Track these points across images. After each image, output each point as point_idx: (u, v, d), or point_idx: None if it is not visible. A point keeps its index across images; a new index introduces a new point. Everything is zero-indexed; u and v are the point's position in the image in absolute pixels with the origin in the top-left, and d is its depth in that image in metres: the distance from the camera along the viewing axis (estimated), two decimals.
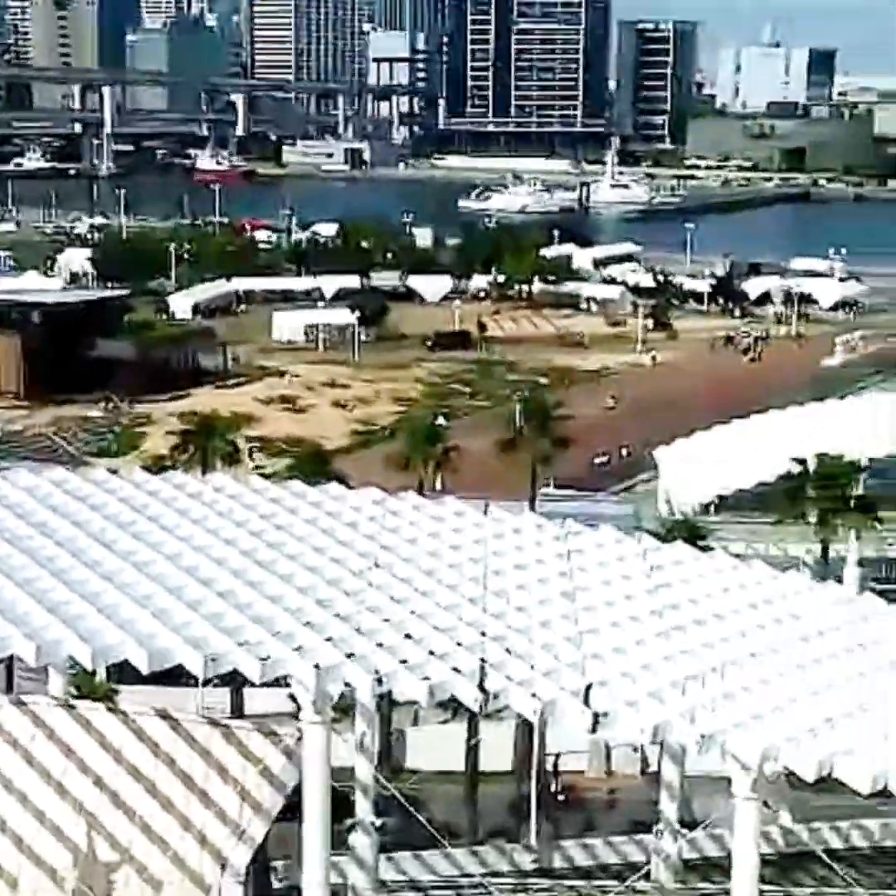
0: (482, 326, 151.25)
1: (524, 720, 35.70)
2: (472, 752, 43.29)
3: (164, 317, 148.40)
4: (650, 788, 39.95)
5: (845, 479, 62.04)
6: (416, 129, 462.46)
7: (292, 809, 30.21)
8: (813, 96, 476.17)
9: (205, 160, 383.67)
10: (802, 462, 62.84)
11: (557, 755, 45.10)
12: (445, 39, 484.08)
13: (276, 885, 35.14)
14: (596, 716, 28.74)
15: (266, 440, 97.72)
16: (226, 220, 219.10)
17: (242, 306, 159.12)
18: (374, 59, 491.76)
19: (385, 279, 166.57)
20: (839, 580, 55.37)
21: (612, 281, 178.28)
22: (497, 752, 43.28)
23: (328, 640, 30.00)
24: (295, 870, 31.68)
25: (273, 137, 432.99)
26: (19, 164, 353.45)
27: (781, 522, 65.47)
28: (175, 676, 33.32)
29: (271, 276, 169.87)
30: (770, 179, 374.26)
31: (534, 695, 29.03)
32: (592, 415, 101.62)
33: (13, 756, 31.10)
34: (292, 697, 30.20)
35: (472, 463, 74.71)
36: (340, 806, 31.96)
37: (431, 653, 30.04)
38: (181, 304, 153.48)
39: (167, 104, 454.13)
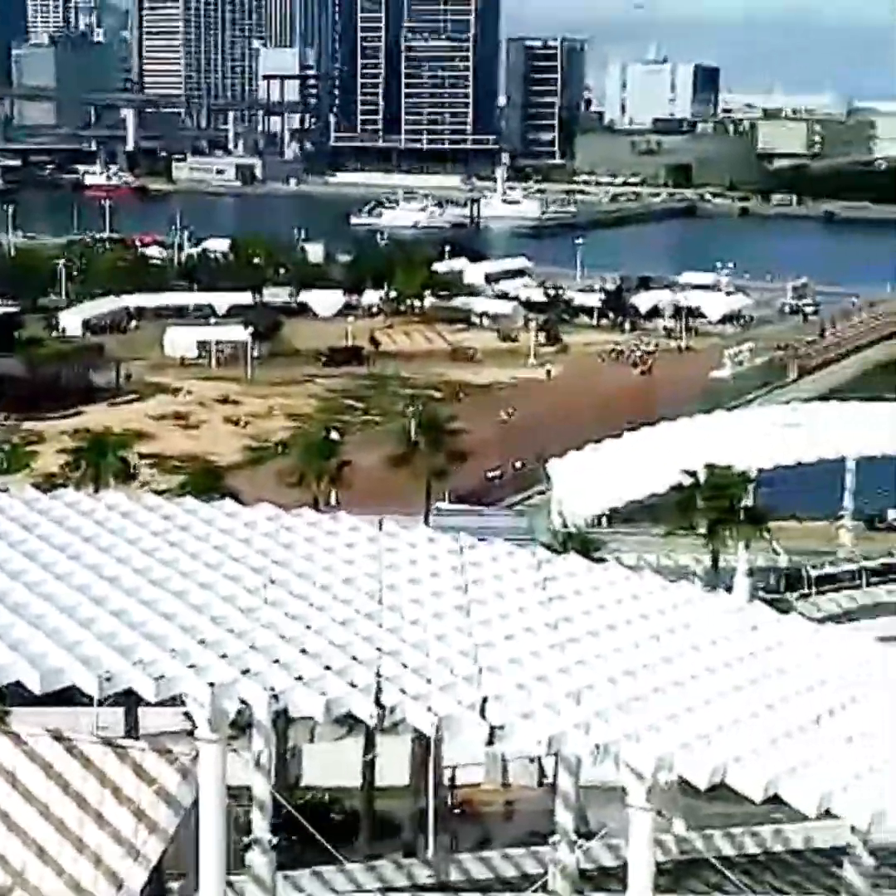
0: (375, 342, 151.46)
1: (420, 734, 35.76)
2: (369, 767, 43.28)
3: (55, 333, 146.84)
4: (546, 799, 40.17)
5: (735, 490, 62.78)
6: (307, 145, 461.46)
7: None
8: (698, 112, 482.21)
9: (94, 176, 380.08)
10: (693, 474, 63.49)
11: (454, 768, 45.20)
12: (336, 56, 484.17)
13: None
14: (492, 728, 28.85)
15: (159, 457, 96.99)
16: (116, 236, 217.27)
17: (134, 323, 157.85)
18: (265, 76, 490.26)
19: (277, 295, 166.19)
20: (729, 590, 56.04)
21: (504, 296, 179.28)
22: (393, 766, 43.27)
23: (223, 657, 29.84)
24: (191, 889, 31.46)
25: (163, 153, 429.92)
26: None
27: (672, 533, 66.19)
28: (68, 697, 32.96)
29: (163, 293, 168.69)
30: (657, 195, 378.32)
31: (430, 709, 29.08)
32: (486, 429, 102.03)
33: None
34: (187, 716, 30.01)
35: (367, 478, 74.73)
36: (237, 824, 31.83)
37: (327, 668, 29.99)
38: (71, 320, 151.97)
39: (55, 119, 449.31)
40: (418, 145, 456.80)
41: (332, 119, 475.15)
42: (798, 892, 39.09)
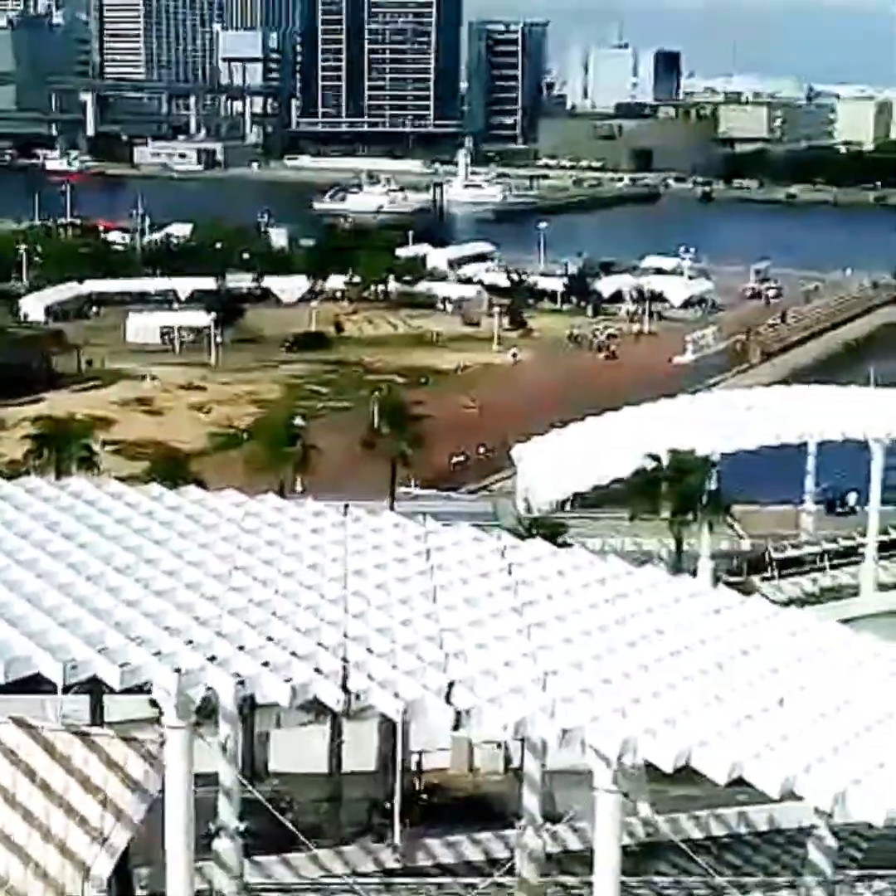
0: (339, 327, 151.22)
1: (387, 719, 35.85)
2: (336, 752, 43.33)
3: (16, 319, 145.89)
4: (513, 784, 40.32)
5: (697, 474, 63.00)
6: (268, 129, 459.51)
7: None
8: (660, 97, 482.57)
9: (55, 161, 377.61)
10: (656, 458, 63.68)
11: (420, 754, 45.27)
12: (297, 39, 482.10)
13: (139, 893, 34.86)
14: (458, 713, 28.97)
15: (122, 443, 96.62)
16: (78, 221, 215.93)
17: (96, 309, 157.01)
18: (225, 59, 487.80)
19: (240, 280, 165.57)
20: (693, 573, 56.30)
21: (468, 280, 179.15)
22: (360, 752, 43.33)
23: (189, 644, 29.86)
24: (158, 877, 31.47)
25: (124, 137, 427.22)
26: None
27: (636, 518, 66.40)
28: (33, 684, 32.85)
29: (125, 278, 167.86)
30: (620, 179, 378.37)
31: (396, 694, 29.17)
32: (450, 414, 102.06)
33: None
34: (154, 703, 30.00)
35: (331, 464, 74.64)
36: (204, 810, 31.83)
37: (293, 655, 30.04)
38: (33, 306, 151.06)
39: (14, 104, 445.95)
40: (381, 129, 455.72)
41: (293, 103, 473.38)
42: (763, 873, 39.41)
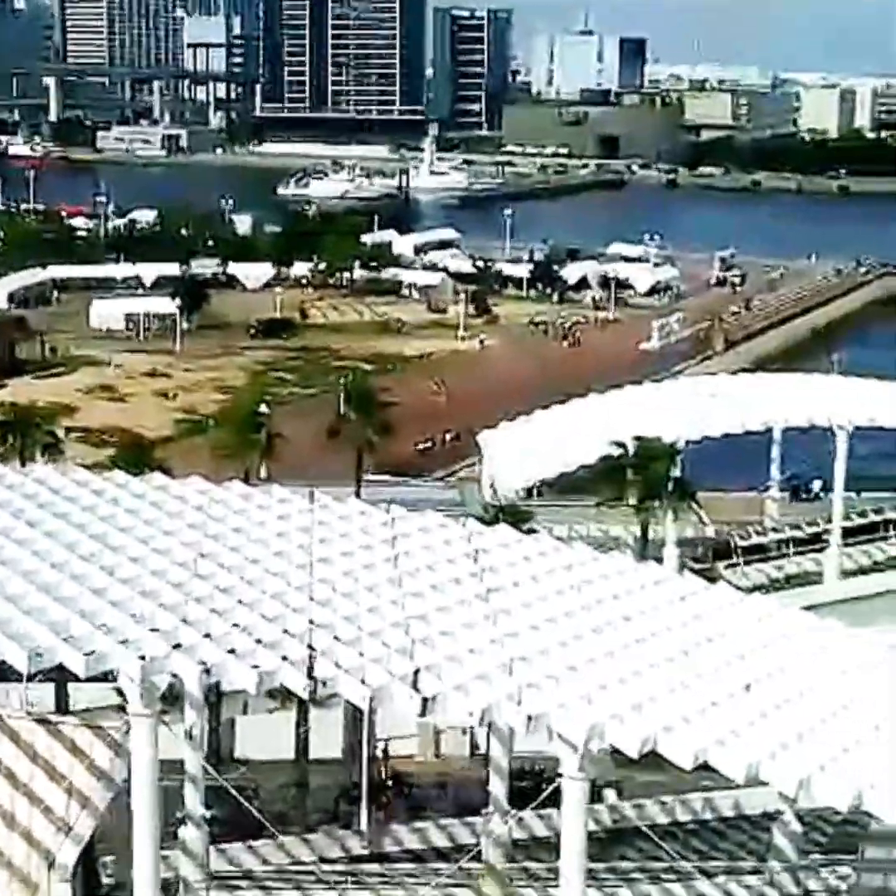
0: (304, 314, 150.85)
1: (354, 706, 35.81)
2: (302, 739, 43.28)
3: None
4: (479, 771, 40.35)
5: (663, 461, 63.11)
6: (233, 115, 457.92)
7: None
8: (625, 84, 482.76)
9: (17, 146, 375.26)
10: (622, 445, 63.77)
11: (387, 740, 45.26)
12: (261, 25, 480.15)
13: (104, 881, 34.78)
14: (425, 700, 28.97)
15: (87, 430, 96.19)
16: (41, 206, 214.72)
17: (59, 295, 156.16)
18: (189, 44, 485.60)
19: (205, 266, 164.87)
20: (658, 560, 56.43)
21: (433, 267, 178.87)
22: (327, 738, 43.30)
23: (154, 631, 29.76)
24: (124, 865, 31.39)
25: (87, 123, 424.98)
26: None
27: (602, 505, 66.51)
28: None
29: (89, 264, 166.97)
30: (585, 166, 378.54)
31: (363, 681, 29.16)
32: (416, 400, 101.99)
33: None
34: (119, 691, 29.89)
35: (297, 450, 74.50)
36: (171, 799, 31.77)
37: (259, 642, 29.99)
38: None
39: None
40: (345, 116, 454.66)
41: (258, 89, 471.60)
42: (728, 858, 39.56)
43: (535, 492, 70.32)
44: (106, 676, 30.57)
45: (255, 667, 29.16)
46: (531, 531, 47.06)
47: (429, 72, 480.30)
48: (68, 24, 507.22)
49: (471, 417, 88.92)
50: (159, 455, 69.11)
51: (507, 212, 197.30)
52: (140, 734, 29.15)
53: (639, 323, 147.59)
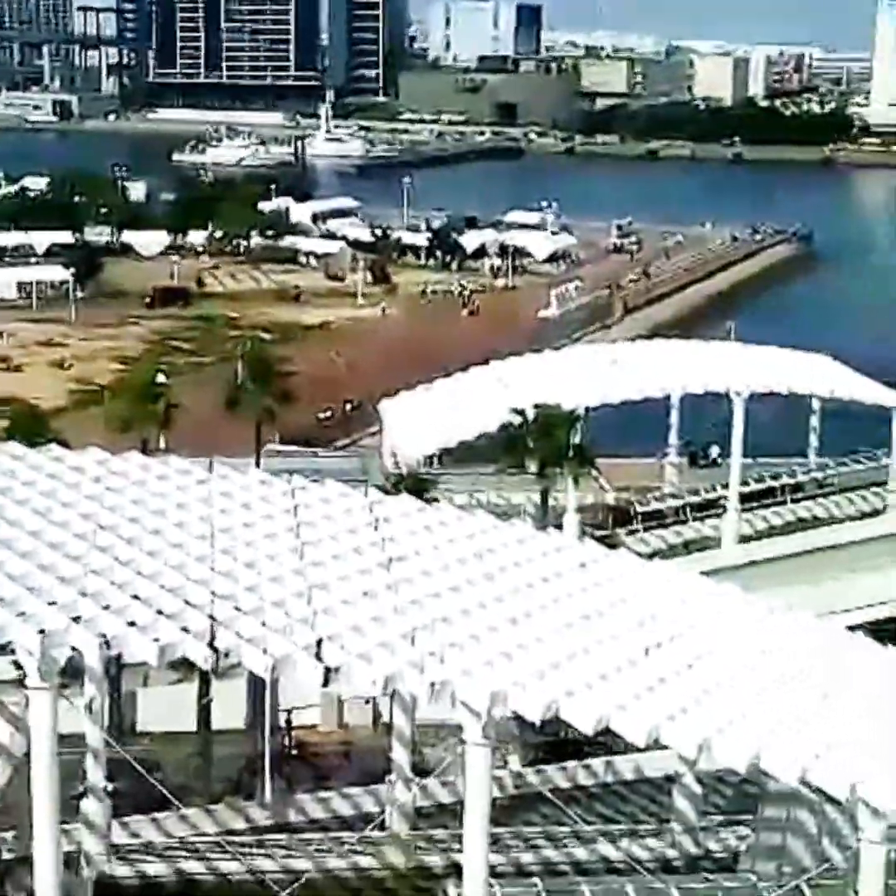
0: (201, 282, 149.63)
1: (256, 677, 35.66)
2: (204, 711, 43.07)
3: None
4: (383, 739, 40.43)
5: (563, 428, 63.34)
6: (125, 80, 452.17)
7: None
8: (521, 51, 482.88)
9: None
10: (522, 413, 63.92)
11: (290, 711, 45.18)
12: None
13: (4, 855, 34.46)
14: (327, 670, 28.92)
15: None
16: None
17: None
18: (79, 8, 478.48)
19: (99, 234, 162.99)
20: (559, 527, 56.73)
21: (331, 235, 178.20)
22: (229, 709, 43.12)
23: (53, 604, 29.43)
24: (24, 840, 31.09)
25: None
26: None
27: (503, 472, 66.68)
28: None
29: None
30: (482, 133, 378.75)
31: (265, 651, 29.04)
32: (316, 369, 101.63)
33: None
34: (17, 664, 29.53)
35: (196, 420, 73.96)
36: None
37: (160, 613, 29.75)
38: None
39: None
40: (240, 82, 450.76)
41: (151, 54, 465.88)
42: (630, 821, 39.97)
43: (435, 460, 70.32)
44: (3, 649, 30.17)
45: (156, 639, 28.93)
46: (432, 500, 47.11)
47: (324, 37, 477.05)
48: None
49: (371, 386, 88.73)
50: (55, 426, 68.30)
51: (405, 180, 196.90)
52: (39, 708, 28.82)
53: (537, 291, 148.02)
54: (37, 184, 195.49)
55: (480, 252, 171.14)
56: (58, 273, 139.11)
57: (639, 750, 31.64)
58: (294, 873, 34.32)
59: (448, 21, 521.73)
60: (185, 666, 35.50)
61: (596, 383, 68.73)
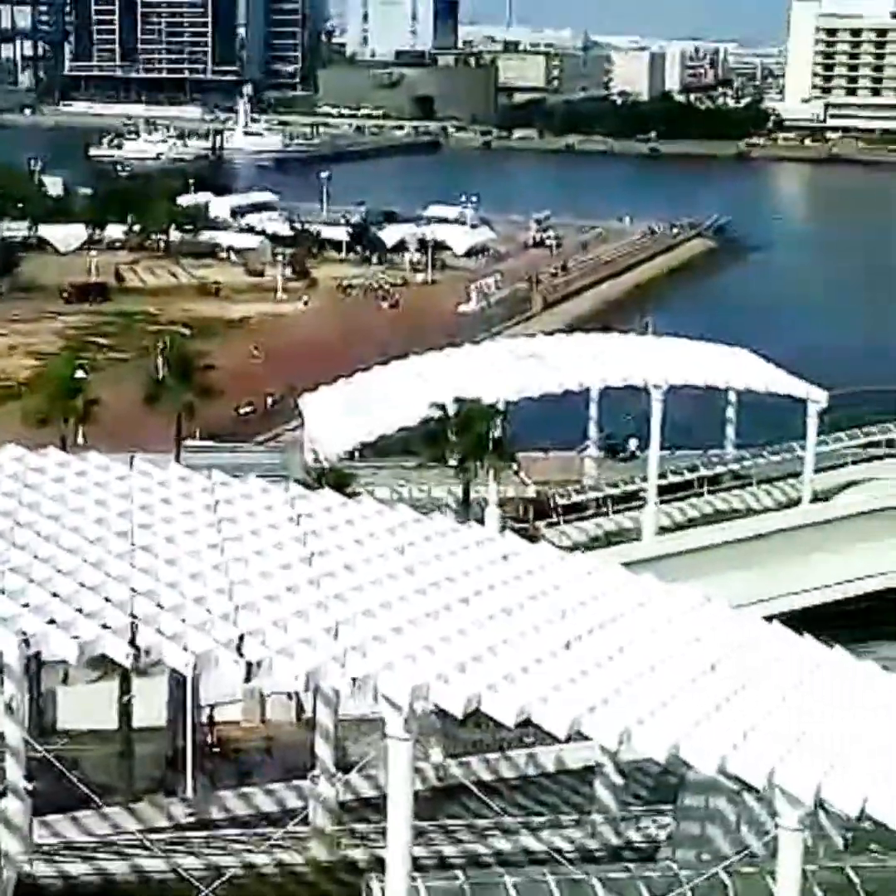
0: (119, 277, 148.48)
1: (177, 673, 35.58)
2: (126, 708, 42.86)
3: None
4: (306, 734, 40.43)
5: (483, 422, 63.52)
6: (41, 74, 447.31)
7: None
8: (439, 45, 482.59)
9: None
10: (442, 407, 64.02)
11: (212, 707, 45.05)
12: None
13: None
14: (249, 665, 28.92)
15: None
16: None
17: None
18: None
19: (14, 229, 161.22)
20: (481, 521, 56.93)
21: (250, 230, 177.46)
22: (151, 707, 42.93)
23: None
24: None
25: None
26: None
27: (424, 466, 66.76)
28: None
29: None
30: (401, 127, 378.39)
31: (186, 648, 28.99)
32: (237, 364, 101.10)
33: None
34: None
35: (115, 416, 73.40)
36: None
37: (80, 611, 29.62)
38: None
39: None
40: (158, 75, 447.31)
41: (67, 47, 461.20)
42: (552, 812, 40.24)
43: (356, 455, 70.30)
44: None
45: (76, 636, 28.81)
46: (354, 494, 47.14)
47: (242, 32, 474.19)
48: None
49: (291, 381, 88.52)
50: None
51: (324, 174, 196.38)
52: None
53: (457, 285, 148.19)
54: None
55: (400, 246, 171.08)
56: None
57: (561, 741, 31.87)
58: (217, 870, 34.32)
59: (365, 16, 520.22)
60: (105, 663, 35.31)
61: (515, 377, 68.97)
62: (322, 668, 28.97)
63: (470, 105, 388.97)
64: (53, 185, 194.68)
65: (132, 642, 28.91)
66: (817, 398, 69.07)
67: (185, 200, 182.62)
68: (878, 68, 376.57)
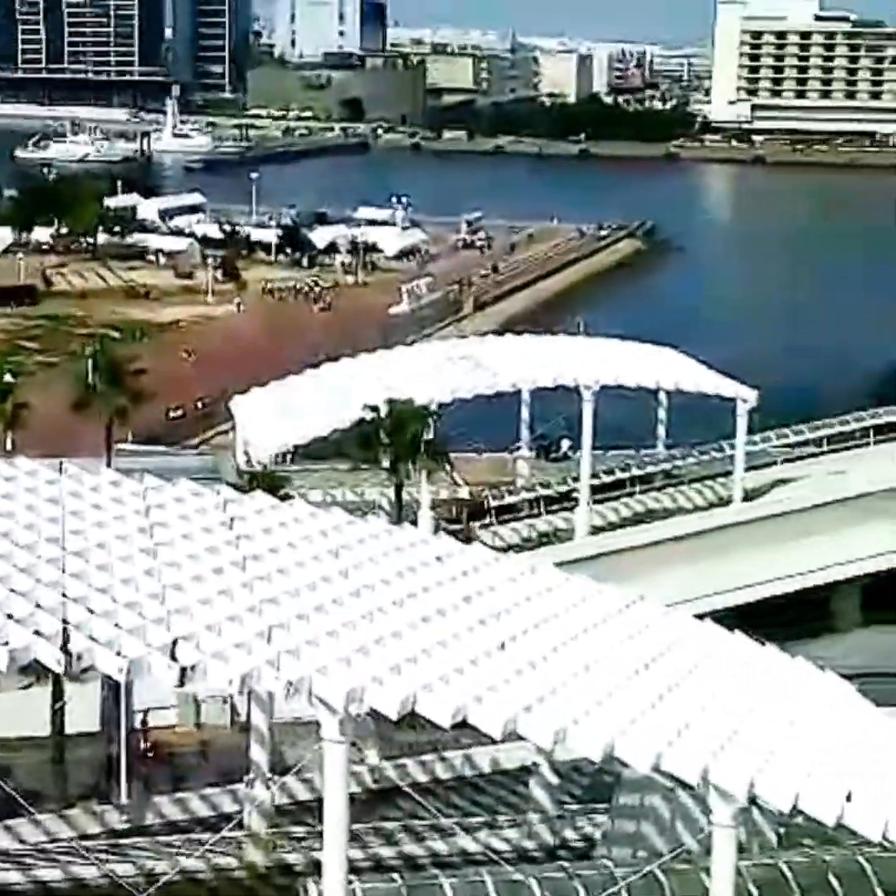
0: (47, 280, 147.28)
1: (111, 679, 35.35)
2: (58, 714, 42.55)
3: None
4: (241, 739, 40.30)
5: (415, 423, 63.58)
6: None
7: None
8: (367, 47, 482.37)
9: None
10: (375, 409, 64.03)
11: (145, 712, 44.81)
12: None
13: None
14: (183, 669, 28.77)
15: None
16: None
17: None
18: None
19: None
20: (414, 523, 56.98)
21: (180, 232, 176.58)
22: (84, 713, 42.65)
23: None
24: None
25: None
26: None
27: (357, 469, 66.74)
28: None
29: None
30: (330, 129, 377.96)
31: (119, 653, 28.80)
32: (167, 368, 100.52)
33: None
34: None
35: (45, 421, 72.86)
36: None
37: (10, 617, 29.34)
38: None
39: None
40: (84, 76, 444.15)
41: None
42: (488, 813, 40.33)
43: (289, 457, 70.17)
44: None
45: (6, 643, 28.54)
46: (286, 497, 47.03)
47: (169, 33, 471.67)
48: None
49: (223, 383, 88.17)
50: None
51: (253, 175, 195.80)
52: None
53: (389, 287, 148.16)
54: None
55: (331, 248, 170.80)
56: None
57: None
58: (152, 876, 34.12)
59: (293, 17, 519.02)
60: (37, 670, 35.04)
61: (447, 378, 69.12)
62: (256, 672, 28.86)
63: (399, 107, 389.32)
64: None
65: (64, 648, 28.67)
66: (746, 397, 69.64)
67: (112, 202, 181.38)
68: (803, 71, 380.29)
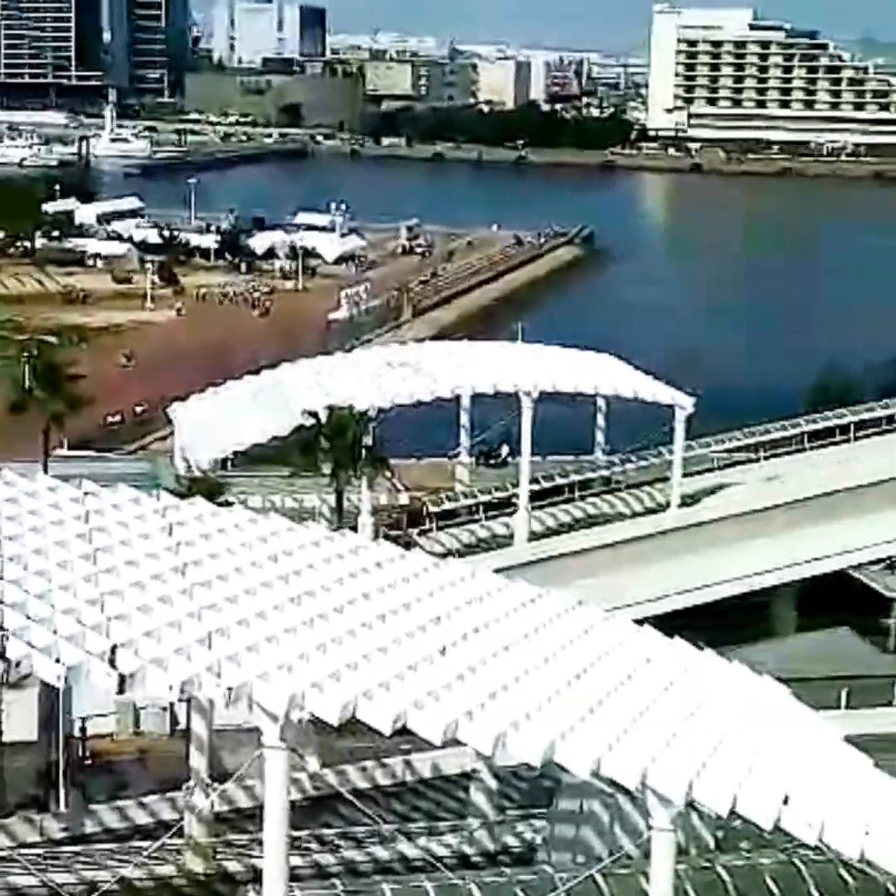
0: None
1: (48, 686, 35.12)
2: None
3: None
4: (180, 746, 40.14)
5: (355, 429, 63.56)
6: None
7: None
8: (306, 53, 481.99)
9: None
10: (314, 414, 63.95)
11: (84, 719, 44.52)
12: None
13: None
14: (122, 677, 28.62)
15: None
16: None
17: None
18: None
19: None
20: (354, 529, 56.93)
21: (118, 237, 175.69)
22: (21, 721, 42.31)
23: None
24: None
25: None
26: None
27: (297, 475, 66.60)
28: None
29: None
30: (269, 135, 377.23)
31: (57, 659, 28.63)
32: (105, 373, 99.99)
33: None
34: None
35: None
36: None
37: None
38: None
39: None
40: (20, 80, 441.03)
41: None
42: (428, 819, 40.38)
43: (228, 463, 69.93)
44: None
45: None
46: (226, 503, 46.90)
47: (106, 37, 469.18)
48: None
49: (162, 389, 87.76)
50: None
51: (191, 180, 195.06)
52: None
53: (327, 292, 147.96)
54: None
55: (270, 253, 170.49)
56: None
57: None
58: (91, 885, 33.91)
59: (232, 22, 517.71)
60: None
61: (387, 384, 69.10)
62: (196, 679, 28.76)
63: (337, 113, 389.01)
64: None
65: (1, 655, 28.48)
66: (684, 404, 70.04)
67: (50, 207, 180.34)
68: (739, 79, 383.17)
